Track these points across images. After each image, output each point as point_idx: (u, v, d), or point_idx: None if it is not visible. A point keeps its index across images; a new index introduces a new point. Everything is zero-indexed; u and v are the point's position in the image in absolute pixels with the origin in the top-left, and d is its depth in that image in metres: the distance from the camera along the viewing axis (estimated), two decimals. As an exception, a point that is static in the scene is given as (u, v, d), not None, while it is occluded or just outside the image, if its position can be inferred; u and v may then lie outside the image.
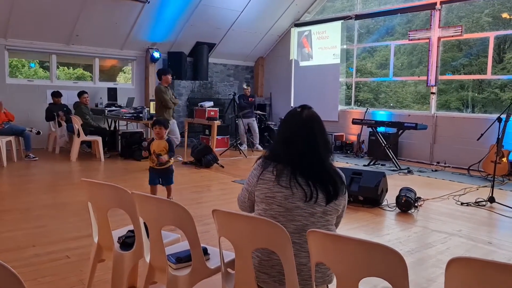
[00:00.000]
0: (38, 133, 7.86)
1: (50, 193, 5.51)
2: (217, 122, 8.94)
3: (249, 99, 10.04)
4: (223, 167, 7.52)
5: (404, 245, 3.82)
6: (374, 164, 8.09)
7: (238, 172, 7.21)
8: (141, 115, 8.18)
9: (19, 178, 6.28)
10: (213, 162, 7.56)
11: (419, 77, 10.70)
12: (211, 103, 9.64)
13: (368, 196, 5.11)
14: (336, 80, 10.27)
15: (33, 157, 7.59)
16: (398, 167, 7.70)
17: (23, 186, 5.78)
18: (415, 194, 5.04)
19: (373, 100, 14.15)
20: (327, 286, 2.08)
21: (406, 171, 7.53)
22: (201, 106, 9.53)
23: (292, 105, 10.97)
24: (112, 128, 9.25)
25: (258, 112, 10.70)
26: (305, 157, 1.95)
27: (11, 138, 7.41)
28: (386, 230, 4.33)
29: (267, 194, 1.96)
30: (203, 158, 7.51)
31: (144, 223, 2.30)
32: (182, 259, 2.22)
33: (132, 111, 8.53)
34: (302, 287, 1.91)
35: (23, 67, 10.05)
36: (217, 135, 9.07)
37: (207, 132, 9.75)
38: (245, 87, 10.14)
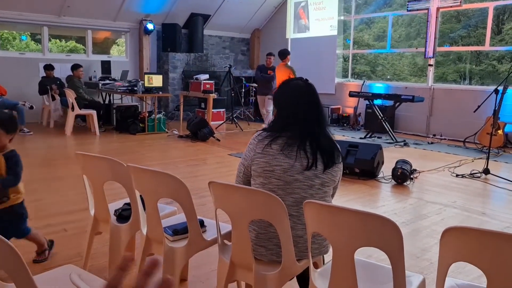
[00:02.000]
0: (31, 107, 7.76)
1: (46, 167, 5.49)
2: (213, 95, 8.87)
3: (268, 71, 8.50)
4: (219, 140, 7.50)
5: (400, 216, 3.86)
6: (370, 136, 8.10)
7: (235, 145, 7.20)
8: (135, 88, 8.09)
9: (14, 152, 6.23)
10: (209, 135, 7.54)
11: (417, 48, 10.60)
12: (207, 76, 9.52)
13: (364, 168, 5.12)
14: (333, 52, 10.15)
15: (27, 132, 7.53)
16: (394, 140, 7.71)
17: (19, 160, 5.75)
18: (411, 166, 5.06)
19: (370, 72, 14.06)
20: (323, 257, 2.11)
21: (402, 143, 7.54)
22: (197, 79, 9.42)
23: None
24: (106, 102, 9.16)
25: (254, 84, 10.59)
26: (311, 126, 1.97)
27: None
28: (382, 201, 4.37)
29: (265, 168, 1.95)
30: (199, 132, 7.48)
31: (140, 196, 2.29)
32: (178, 231, 2.23)
33: (127, 84, 8.42)
34: (299, 258, 1.93)
35: (14, 40, 9.85)
36: (213, 108, 9.02)
37: (202, 105, 9.68)
38: (268, 56, 8.70)
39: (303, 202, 1.84)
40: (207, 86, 9.20)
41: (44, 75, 8.41)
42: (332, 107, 9.79)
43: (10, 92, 7.79)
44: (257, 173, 1.98)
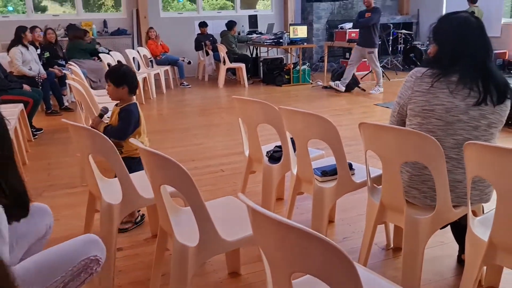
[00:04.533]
0: (189, 62, 8.56)
1: (203, 116, 6.05)
2: (358, 44, 8.53)
3: (366, 14, 6.89)
4: (364, 90, 7.29)
5: None
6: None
7: (380, 95, 6.92)
8: (281, 40, 8.24)
9: (176, 103, 7.00)
10: (354, 85, 7.37)
11: None
12: (352, 25, 9.17)
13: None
14: (500, -13, 8.79)
15: (187, 85, 8.33)
16: None
17: (181, 109, 6.45)
18: None
19: (547, 9, 11.87)
20: (482, 206, 1.96)
21: None
22: (341, 28, 9.15)
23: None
24: (254, 55, 9.54)
25: (403, 31, 9.87)
26: (482, 61, 1.82)
27: (168, 67, 8.21)
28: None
29: (424, 107, 1.85)
30: (343, 82, 7.35)
31: (291, 138, 2.40)
32: (327, 172, 2.28)
33: (273, 37, 8.64)
34: (456, 204, 1.83)
35: (173, 1, 10.76)
36: (358, 58, 8.70)
37: (347, 55, 9.40)
38: None
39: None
40: (352, 35, 8.87)
41: (199, 32, 9.09)
42: (496, 51, 8.60)
43: (172, 49, 8.64)
44: (414, 112, 1.89)
